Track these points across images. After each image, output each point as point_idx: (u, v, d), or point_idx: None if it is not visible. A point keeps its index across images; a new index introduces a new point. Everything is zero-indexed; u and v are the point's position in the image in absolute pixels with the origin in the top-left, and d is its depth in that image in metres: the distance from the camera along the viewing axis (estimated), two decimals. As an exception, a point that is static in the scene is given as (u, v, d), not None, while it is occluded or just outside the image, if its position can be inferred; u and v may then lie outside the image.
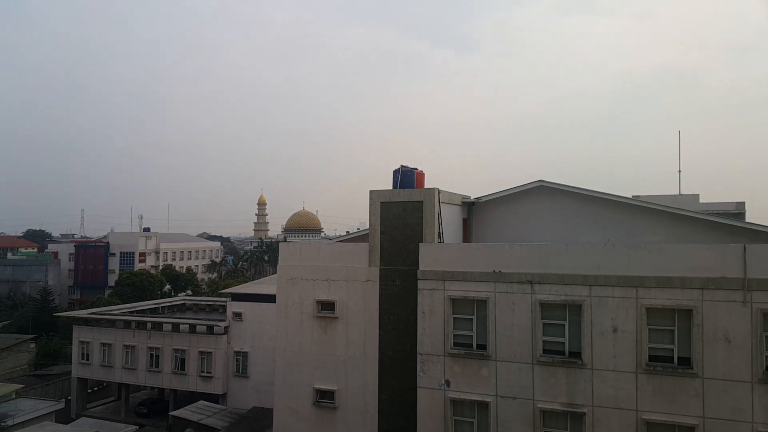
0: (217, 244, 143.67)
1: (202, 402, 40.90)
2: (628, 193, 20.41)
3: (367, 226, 20.81)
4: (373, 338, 20.43)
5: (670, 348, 16.19)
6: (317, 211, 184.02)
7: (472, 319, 18.38)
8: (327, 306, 21.52)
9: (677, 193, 23.69)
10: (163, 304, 55.80)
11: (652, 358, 16.28)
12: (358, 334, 20.76)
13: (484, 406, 17.97)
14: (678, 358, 16.10)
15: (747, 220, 19.85)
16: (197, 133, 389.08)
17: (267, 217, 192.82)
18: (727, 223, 18.02)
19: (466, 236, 22.87)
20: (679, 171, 26.20)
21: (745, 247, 15.49)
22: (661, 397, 16.07)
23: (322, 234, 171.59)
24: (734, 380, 15.42)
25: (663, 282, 16.08)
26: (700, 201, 22.22)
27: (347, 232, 46.71)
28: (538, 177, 20.07)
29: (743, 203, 22.41)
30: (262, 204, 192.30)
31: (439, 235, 19.88)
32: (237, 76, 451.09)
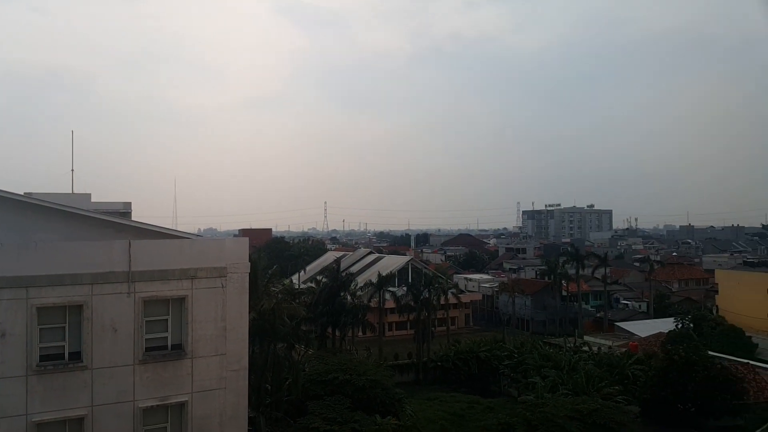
0: None
1: None
2: (19, 190, 19.48)
3: None
4: None
5: (62, 345, 16.59)
6: None
7: None
8: None
9: (70, 191, 24.14)
10: None
11: (44, 358, 16.27)
12: None
13: None
14: (69, 353, 16.65)
15: (133, 218, 22.21)
16: None
17: None
18: (114, 221, 19.64)
19: None
20: (72, 170, 26.77)
21: (130, 243, 17.45)
22: (52, 395, 16.25)
23: None
24: (120, 366, 17.14)
25: (55, 280, 16.31)
26: (92, 200, 23.37)
27: None
28: None
29: (130, 203, 24.93)
30: None
31: None
32: None
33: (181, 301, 18.12)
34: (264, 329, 29.86)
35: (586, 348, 47.22)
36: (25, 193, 19.41)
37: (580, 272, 75.70)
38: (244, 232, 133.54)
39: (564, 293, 76.35)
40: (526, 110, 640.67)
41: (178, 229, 22.12)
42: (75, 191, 24.33)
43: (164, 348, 17.99)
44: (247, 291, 19.63)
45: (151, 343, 17.75)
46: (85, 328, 16.69)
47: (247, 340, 19.98)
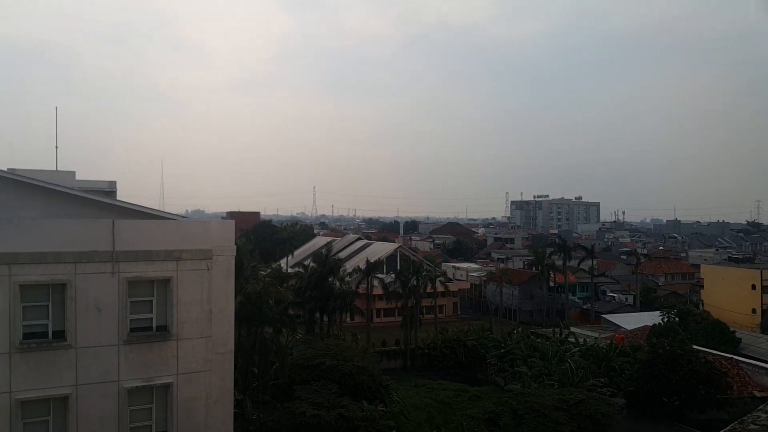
0: None
1: None
2: (2, 167, 18.99)
3: None
4: None
5: (45, 323, 16.29)
6: None
7: None
8: None
9: (54, 168, 23.58)
10: None
11: (28, 336, 15.97)
12: None
13: None
14: (53, 332, 16.35)
15: (118, 198, 21.77)
16: None
17: None
18: (99, 200, 19.21)
19: None
20: (56, 147, 26.12)
21: (114, 223, 17.07)
22: (36, 373, 16.00)
23: None
24: (104, 345, 16.86)
25: (37, 258, 15.95)
26: (77, 178, 22.84)
27: None
28: None
29: (115, 182, 24.38)
30: None
31: None
32: None
33: (165, 282, 17.81)
34: (251, 313, 29.66)
35: (572, 339, 47.44)
36: (8, 169, 18.96)
37: (568, 264, 76.06)
38: (231, 215, 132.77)
39: (551, 284, 76.74)
40: (512, 101, 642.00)
41: (165, 209, 21.77)
42: (59, 169, 23.78)
43: (149, 329, 17.72)
44: (233, 274, 19.36)
45: (135, 324, 17.47)
46: (68, 307, 16.38)
47: (233, 324, 19.74)
